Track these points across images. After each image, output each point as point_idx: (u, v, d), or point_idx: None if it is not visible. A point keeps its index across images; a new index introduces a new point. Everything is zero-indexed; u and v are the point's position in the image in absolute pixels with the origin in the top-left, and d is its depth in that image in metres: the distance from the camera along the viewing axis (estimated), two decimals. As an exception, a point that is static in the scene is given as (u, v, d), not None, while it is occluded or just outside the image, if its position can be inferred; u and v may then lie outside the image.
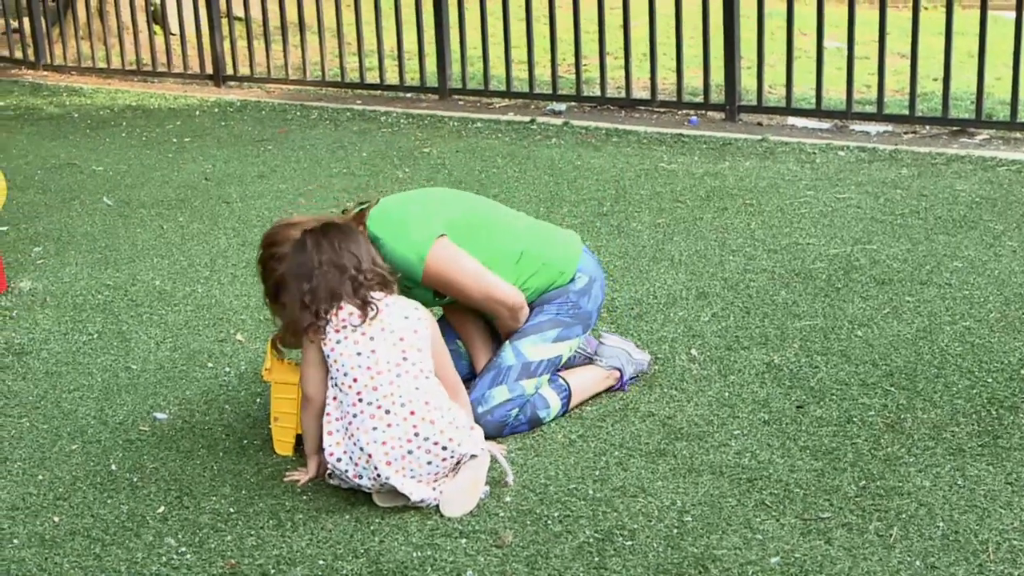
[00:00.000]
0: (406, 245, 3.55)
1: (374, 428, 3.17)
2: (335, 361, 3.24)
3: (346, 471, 3.21)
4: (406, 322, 3.31)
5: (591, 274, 3.85)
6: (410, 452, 3.17)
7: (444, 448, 3.19)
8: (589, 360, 3.89)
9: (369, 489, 3.21)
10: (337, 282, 3.29)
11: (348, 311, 3.27)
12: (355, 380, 3.21)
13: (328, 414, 3.27)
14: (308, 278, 3.30)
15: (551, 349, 3.72)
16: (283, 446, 3.56)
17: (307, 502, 3.27)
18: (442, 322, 3.82)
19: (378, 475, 3.15)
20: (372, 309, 3.27)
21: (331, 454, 3.23)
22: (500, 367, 3.66)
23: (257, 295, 4.97)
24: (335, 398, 3.28)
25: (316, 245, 3.34)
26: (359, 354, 3.23)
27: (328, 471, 3.29)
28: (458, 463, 3.22)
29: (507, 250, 3.71)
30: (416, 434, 3.17)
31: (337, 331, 3.26)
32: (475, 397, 3.60)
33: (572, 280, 3.81)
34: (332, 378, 3.27)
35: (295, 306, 3.32)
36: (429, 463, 3.19)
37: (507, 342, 3.72)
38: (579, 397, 3.77)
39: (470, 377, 3.76)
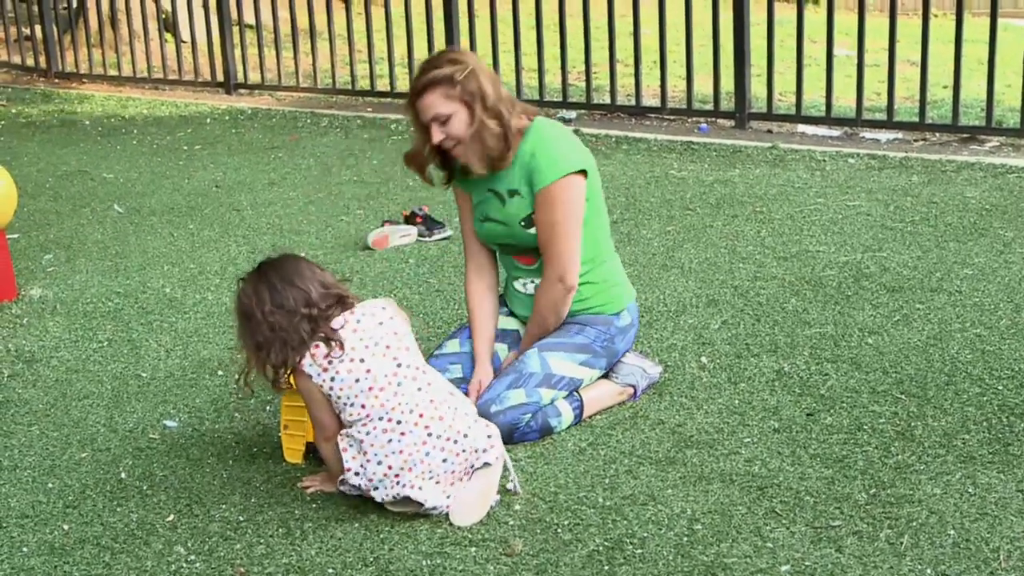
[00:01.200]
0: (558, 154, 3.66)
1: (388, 441, 3.16)
2: (337, 397, 3.19)
3: (359, 484, 3.21)
4: (383, 328, 3.23)
5: (634, 319, 3.91)
6: (427, 454, 3.17)
7: (456, 443, 3.20)
8: (605, 375, 3.88)
9: (381, 500, 3.20)
10: (290, 328, 3.16)
11: (323, 351, 3.18)
12: (363, 405, 3.18)
13: (341, 436, 3.25)
14: (255, 334, 3.20)
15: (575, 370, 3.73)
16: (293, 454, 3.56)
17: (317, 510, 3.27)
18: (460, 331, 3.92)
19: (397, 483, 3.15)
20: (336, 345, 3.17)
21: (348, 468, 3.22)
22: (522, 372, 3.66)
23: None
24: (345, 423, 3.25)
25: (254, 294, 3.21)
26: (357, 380, 3.17)
27: (341, 479, 3.28)
28: (472, 466, 3.22)
29: (598, 247, 3.79)
30: (429, 434, 3.18)
31: (325, 369, 3.17)
32: (491, 396, 3.60)
33: (618, 315, 3.83)
34: (337, 409, 3.23)
35: (259, 366, 3.25)
36: (444, 460, 3.19)
37: (535, 349, 3.72)
38: (591, 410, 3.77)
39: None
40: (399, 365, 3.22)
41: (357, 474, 3.20)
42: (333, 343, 3.17)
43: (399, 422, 3.17)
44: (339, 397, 3.19)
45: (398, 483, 3.15)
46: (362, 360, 3.18)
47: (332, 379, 3.17)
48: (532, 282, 3.84)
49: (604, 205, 3.85)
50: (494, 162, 3.67)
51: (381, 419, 3.17)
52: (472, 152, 3.65)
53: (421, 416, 3.19)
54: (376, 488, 3.19)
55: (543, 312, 3.77)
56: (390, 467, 3.15)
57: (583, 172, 3.69)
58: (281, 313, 3.17)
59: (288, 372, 3.23)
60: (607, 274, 3.83)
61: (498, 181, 3.74)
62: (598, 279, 3.81)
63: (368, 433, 3.17)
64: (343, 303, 3.25)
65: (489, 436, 3.27)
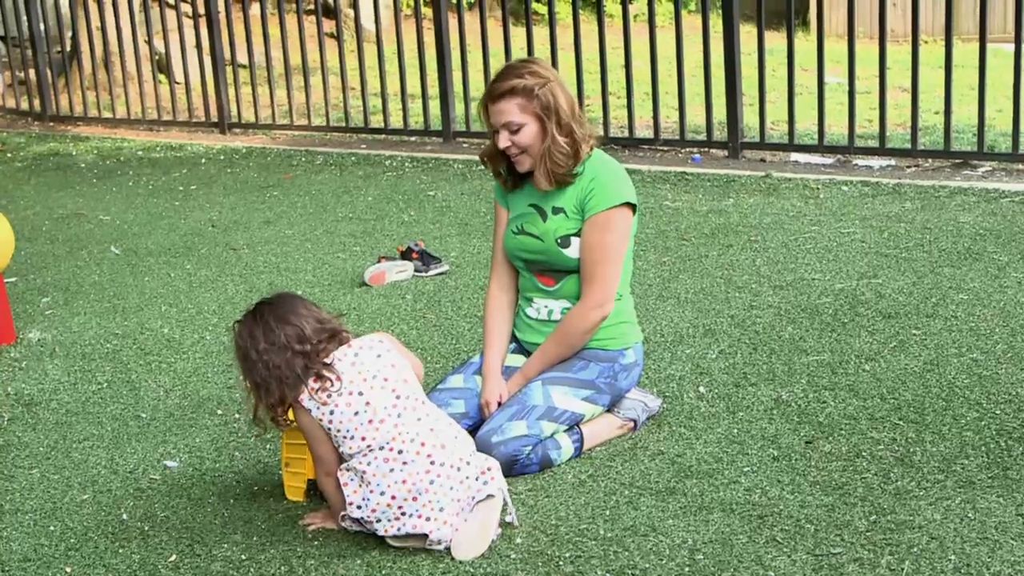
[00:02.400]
0: (620, 183, 3.76)
1: (391, 470, 3.17)
2: (337, 430, 3.21)
3: (362, 517, 3.21)
4: (381, 360, 3.26)
5: (638, 359, 3.94)
6: (431, 482, 3.17)
7: (459, 470, 3.22)
8: (607, 409, 3.89)
9: (383, 534, 3.21)
10: (284, 365, 3.19)
11: (319, 386, 3.20)
12: (363, 438, 3.19)
13: (341, 471, 3.25)
14: (252, 373, 3.23)
15: (577, 405, 3.75)
16: (294, 492, 3.57)
17: (318, 547, 3.27)
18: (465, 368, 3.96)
19: (401, 513, 3.16)
20: (330, 380, 3.19)
21: (350, 502, 3.22)
22: (524, 403, 3.67)
23: (265, 341, 4.99)
24: (344, 456, 3.26)
25: (249, 335, 3.24)
26: (356, 413, 3.19)
27: (342, 515, 3.28)
28: (473, 497, 3.22)
29: (621, 284, 3.82)
30: (432, 462, 3.18)
31: (324, 403, 3.18)
32: (492, 427, 3.61)
33: (623, 352, 3.86)
34: (336, 443, 3.24)
35: (260, 404, 3.27)
36: (451, 488, 3.19)
37: (538, 382, 3.73)
38: (591, 443, 3.78)
39: (476, 425, 3.76)
40: (398, 396, 3.23)
41: (359, 507, 3.21)
42: (329, 377, 3.18)
43: (400, 451, 3.18)
44: (339, 430, 3.20)
45: (402, 514, 3.16)
46: (360, 393, 3.19)
47: (331, 412, 3.18)
48: (546, 306, 3.86)
49: (632, 248, 3.91)
50: (561, 178, 3.74)
51: (382, 448, 3.18)
52: (540, 167, 3.73)
53: (423, 445, 3.20)
54: (378, 521, 3.19)
55: (572, 335, 3.79)
56: (393, 497, 3.16)
57: (634, 209, 3.77)
58: (275, 350, 3.19)
59: (286, 408, 3.25)
60: (619, 311, 3.85)
61: (543, 197, 3.81)
62: (617, 316, 3.83)
63: (369, 464, 3.18)
64: (338, 338, 3.27)
65: (489, 468, 3.28)
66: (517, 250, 3.88)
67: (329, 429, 3.21)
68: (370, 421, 3.19)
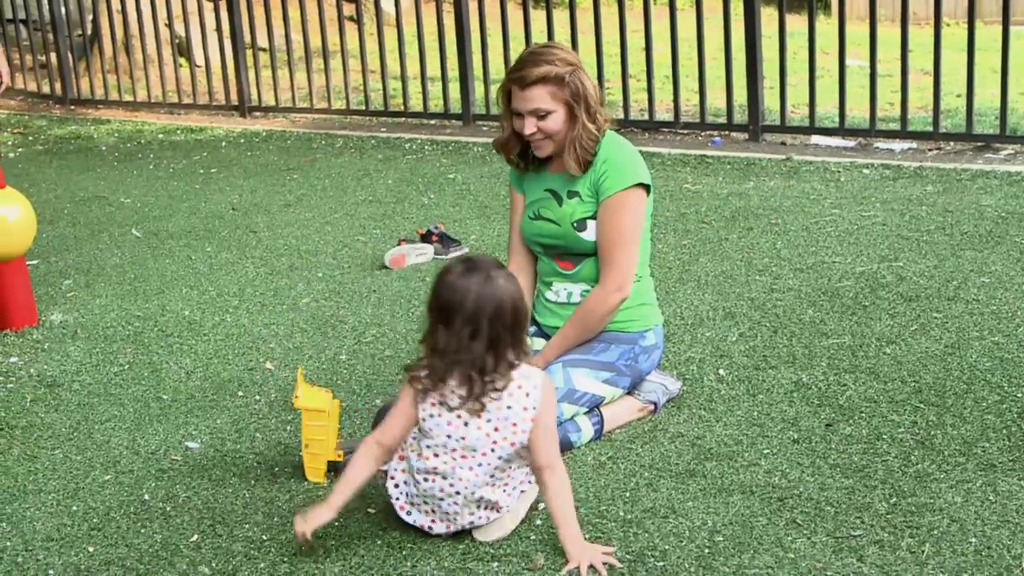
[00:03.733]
0: (632, 164, 3.75)
1: (441, 500, 3.11)
2: (421, 430, 3.08)
3: (395, 497, 3.18)
4: (510, 412, 3.03)
5: (659, 341, 3.93)
6: (471, 513, 3.14)
7: (497, 511, 3.16)
8: (628, 392, 3.89)
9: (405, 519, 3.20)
10: (480, 349, 2.97)
11: (451, 387, 3.02)
12: (435, 455, 3.06)
13: (397, 459, 3.17)
14: (459, 323, 2.98)
15: (598, 388, 3.75)
16: (314, 472, 3.58)
17: (339, 528, 3.28)
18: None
19: (431, 523, 3.15)
20: (482, 406, 3.00)
21: (392, 476, 3.18)
22: None
23: (284, 323, 5.00)
24: (409, 453, 3.14)
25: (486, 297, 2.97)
26: (449, 436, 3.04)
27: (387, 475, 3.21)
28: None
29: (639, 265, 3.82)
30: (479, 506, 3.13)
31: (433, 404, 3.03)
32: None
33: (643, 335, 3.85)
34: (413, 436, 3.13)
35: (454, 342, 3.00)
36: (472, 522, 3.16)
37: (559, 364, 3.73)
38: (611, 426, 3.79)
39: None
40: (492, 450, 3.05)
41: (397, 487, 3.17)
42: (484, 402, 3.00)
43: (458, 492, 3.07)
44: (421, 430, 3.08)
45: (431, 523, 3.16)
46: (465, 424, 3.04)
47: (430, 416, 3.04)
48: (565, 289, 3.86)
49: (650, 228, 3.90)
50: (588, 163, 3.74)
51: (443, 479, 3.07)
52: (570, 152, 3.72)
53: (480, 499, 3.10)
54: (409, 513, 3.17)
55: (591, 318, 3.78)
56: (432, 510, 3.13)
57: (647, 188, 3.76)
58: (482, 336, 2.97)
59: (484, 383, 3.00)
60: (639, 293, 3.85)
61: (559, 181, 3.81)
62: (636, 298, 3.83)
63: (424, 481, 3.10)
64: (509, 362, 3.03)
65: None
66: (535, 235, 3.88)
67: (420, 422, 3.08)
68: (453, 450, 3.05)
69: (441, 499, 3.10)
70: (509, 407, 3.04)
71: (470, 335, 2.97)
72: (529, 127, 3.70)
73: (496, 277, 3.00)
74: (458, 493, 3.09)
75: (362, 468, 3.14)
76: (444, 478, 3.08)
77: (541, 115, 3.68)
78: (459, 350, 2.98)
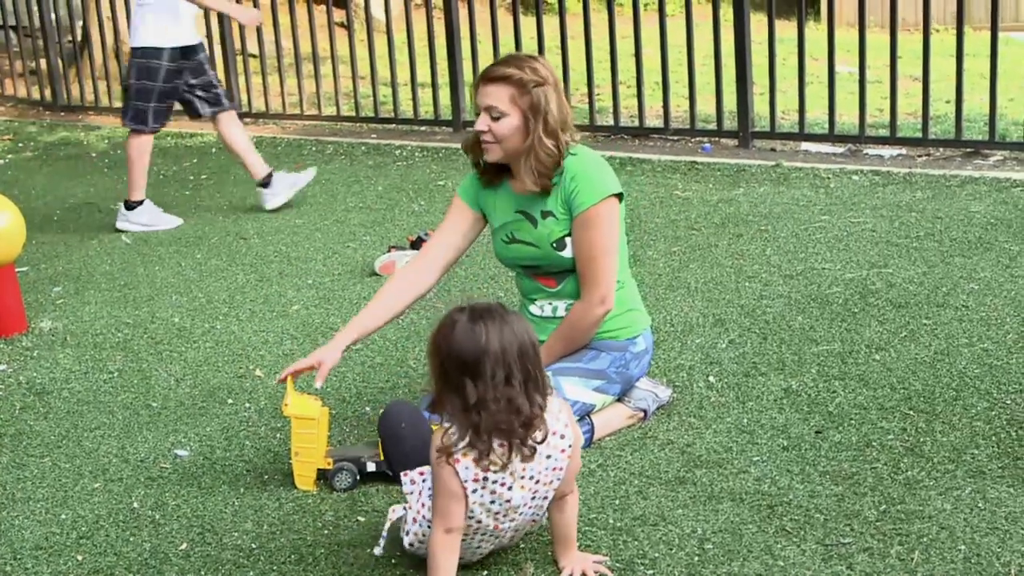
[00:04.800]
0: (600, 177, 3.71)
1: (478, 549, 3.02)
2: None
3: (408, 532, 3.04)
4: (549, 461, 2.89)
5: (648, 345, 3.93)
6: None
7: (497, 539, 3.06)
8: (618, 398, 3.89)
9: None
10: (507, 410, 2.77)
11: (493, 458, 2.81)
12: (479, 522, 2.90)
13: (422, 513, 2.99)
14: (477, 388, 2.76)
15: (588, 396, 3.75)
16: (304, 480, 3.57)
17: (328, 536, 3.28)
18: None
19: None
20: (521, 454, 2.81)
21: (410, 545, 3.04)
22: None
23: (274, 330, 5.00)
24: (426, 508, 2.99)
25: (508, 349, 2.77)
26: (492, 503, 2.87)
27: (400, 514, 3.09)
28: None
29: (619, 272, 3.80)
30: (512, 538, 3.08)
31: (476, 480, 2.82)
32: None
33: (633, 341, 3.85)
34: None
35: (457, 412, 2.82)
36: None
37: (548, 372, 3.72)
38: (601, 433, 3.78)
39: None
40: (534, 498, 2.93)
41: (414, 482, 3.05)
42: (511, 462, 2.82)
43: (498, 539, 3.00)
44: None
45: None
46: (509, 488, 2.86)
47: (474, 491, 2.84)
48: (550, 304, 3.86)
49: (625, 233, 3.89)
50: (544, 180, 3.70)
51: (485, 534, 2.96)
52: (525, 167, 3.69)
53: (516, 530, 3.03)
54: (412, 546, 3.04)
55: (577, 333, 3.77)
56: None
57: (619, 197, 3.74)
58: (516, 388, 2.78)
59: (486, 450, 2.80)
60: (624, 300, 3.84)
61: (529, 203, 3.78)
62: (616, 304, 3.82)
63: (464, 537, 2.93)
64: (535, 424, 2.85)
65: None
66: (513, 259, 3.86)
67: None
68: (496, 513, 2.89)
69: (478, 548, 3.02)
70: (548, 456, 2.89)
71: (505, 379, 2.75)
72: (481, 124, 3.66)
73: (507, 318, 2.80)
74: (498, 539, 3.02)
75: (453, 562, 2.87)
76: (484, 535, 2.96)
77: (495, 116, 3.64)
78: (498, 397, 2.75)
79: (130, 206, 6.97)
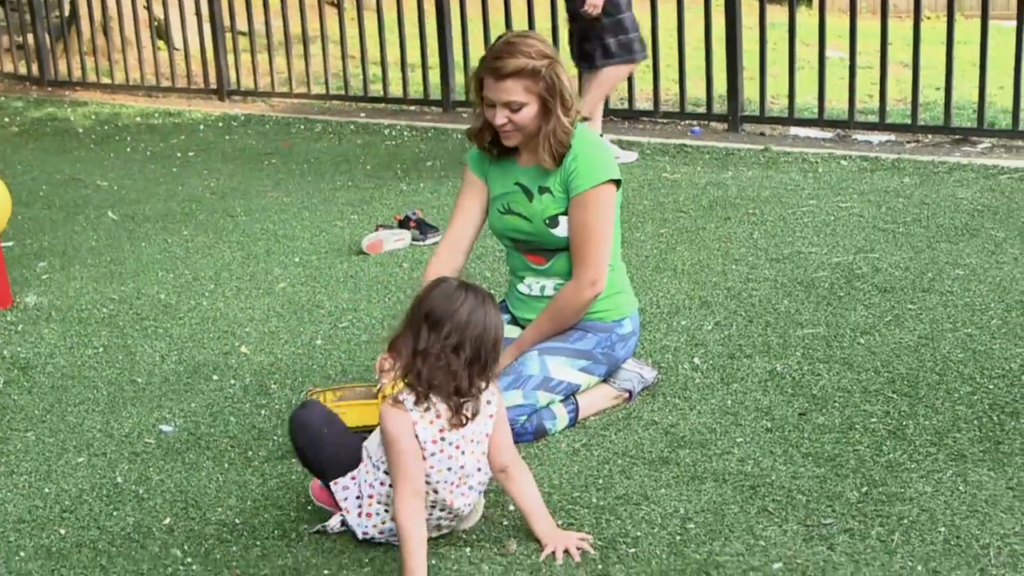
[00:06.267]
0: (601, 160, 3.72)
1: (437, 526, 3.08)
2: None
3: (348, 522, 3.11)
4: (486, 422, 3.04)
5: (635, 328, 3.93)
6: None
7: (455, 519, 3.12)
8: (603, 379, 3.90)
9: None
10: (462, 365, 2.93)
11: (436, 411, 2.95)
12: (435, 492, 2.98)
13: (375, 499, 3.06)
14: (430, 341, 2.93)
15: (574, 376, 3.75)
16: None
17: (312, 512, 3.28)
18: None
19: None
20: (464, 417, 2.96)
21: (365, 534, 3.09)
22: (521, 373, 3.68)
23: (260, 308, 5.00)
24: (384, 485, 3.04)
25: (463, 308, 2.94)
26: (449, 469, 2.98)
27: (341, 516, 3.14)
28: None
29: (613, 253, 3.81)
30: (439, 525, 3.10)
31: (434, 442, 2.93)
32: None
33: (620, 323, 3.85)
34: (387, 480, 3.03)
35: (406, 368, 2.98)
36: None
37: (535, 351, 3.73)
38: (585, 413, 3.79)
39: None
40: (479, 469, 3.05)
41: (347, 488, 3.11)
42: (466, 414, 2.96)
43: (456, 517, 3.08)
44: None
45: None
46: (463, 452, 2.99)
47: (432, 455, 2.94)
48: (538, 283, 3.86)
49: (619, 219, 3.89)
50: (562, 157, 3.71)
51: (438, 510, 3.03)
52: (544, 148, 3.68)
53: (446, 505, 3.06)
54: (366, 534, 3.09)
55: (565, 313, 3.77)
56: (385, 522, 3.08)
57: (617, 184, 3.74)
58: (470, 342, 2.92)
59: (426, 399, 2.95)
60: (613, 282, 3.84)
61: (530, 176, 3.78)
62: (609, 288, 3.82)
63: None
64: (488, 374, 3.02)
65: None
66: (505, 230, 3.86)
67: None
68: (451, 483, 2.99)
69: (437, 525, 3.07)
70: (490, 416, 3.04)
71: (454, 347, 2.91)
72: (500, 118, 3.66)
73: (489, 305, 2.97)
74: (456, 518, 3.08)
75: (423, 530, 2.93)
76: (439, 510, 3.03)
77: (514, 108, 3.64)
78: (441, 356, 2.91)
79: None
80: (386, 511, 3.03)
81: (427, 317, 2.94)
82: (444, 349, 2.92)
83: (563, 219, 3.73)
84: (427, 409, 2.93)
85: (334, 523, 3.14)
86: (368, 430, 3.50)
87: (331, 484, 3.13)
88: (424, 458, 2.94)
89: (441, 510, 3.03)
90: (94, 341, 4.71)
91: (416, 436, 2.92)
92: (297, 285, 5.30)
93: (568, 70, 3.75)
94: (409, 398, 2.94)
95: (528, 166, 3.78)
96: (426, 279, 3.67)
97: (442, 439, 2.95)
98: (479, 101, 3.73)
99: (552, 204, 3.73)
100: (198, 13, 10.64)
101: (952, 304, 4.57)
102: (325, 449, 3.16)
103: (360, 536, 3.09)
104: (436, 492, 2.99)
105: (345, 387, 3.71)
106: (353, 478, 3.11)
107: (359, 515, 3.08)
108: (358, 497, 3.09)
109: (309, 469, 3.24)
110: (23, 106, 10.89)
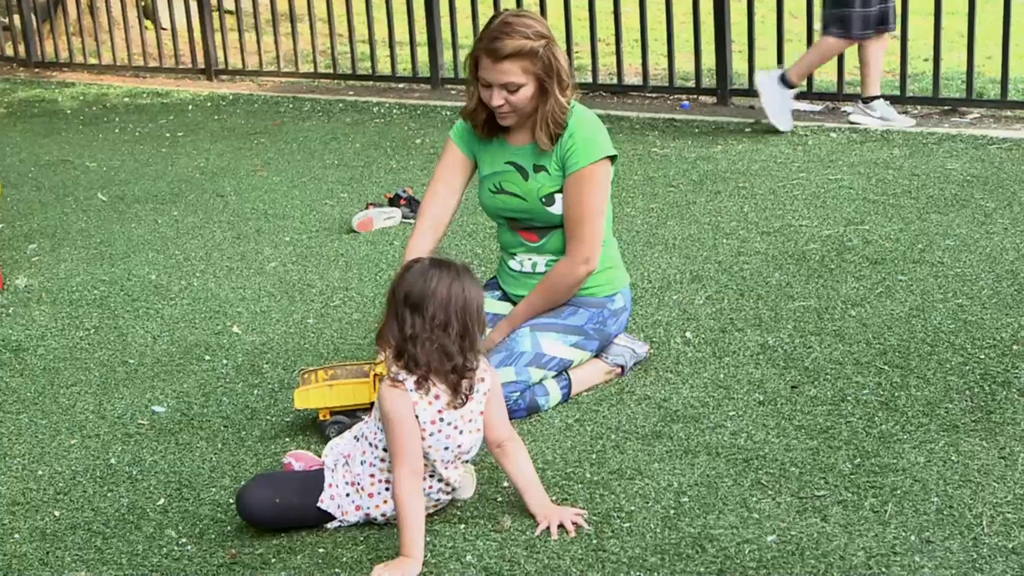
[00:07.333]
0: (597, 138, 3.71)
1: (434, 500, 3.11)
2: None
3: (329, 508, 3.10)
4: (480, 400, 3.06)
5: (627, 303, 3.94)
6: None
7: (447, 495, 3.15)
8: (596, 354, 3.90)
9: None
10: (453, 342, 2.95)
11: (435, 392, 2.98)
12: (432, 469, 3.02)
13: (377, 478, 3.06)
14: (417, 324, 2.94)
15: (565, 351, 3.75)
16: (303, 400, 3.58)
17: (306, 491, 3.28)
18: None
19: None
20: (463, 396, 3.00)
21: (367, 515, 3.10)
22: (513, 350, 3.68)
23: (252, 287, 4.99)
24: (384, 463, 3.04)
25: (444, 287, 2.95)
26: (447, 448, 3.01)
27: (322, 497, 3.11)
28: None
29: (605, 228, 3.80)
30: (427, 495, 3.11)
31: (433, 422, 2.96)
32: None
33: (612, 298, 3.85)
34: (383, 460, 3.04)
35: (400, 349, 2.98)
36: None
37: (527, 328, 3.74)
38: (578, 388, 3.80)
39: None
40: (473, 446, 3.07)
41: (333, 498, 3.08)
42: (464, 392, 2.99)
43: (454, 490, 3.11)
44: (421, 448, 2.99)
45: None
46: (460, 432, 3.02)
47: (431, 435, 2.97)
48: (530, 259, 3.86)
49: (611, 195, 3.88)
50: (558, 137, 3.70)
51: (441, 480, 3.07)
52: (541, 128, 3.68)
53: (443, 478, 3.08)
54: (340, 508, 3.09)
55: (558, 289, 3.78)
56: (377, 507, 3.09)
57: (612, 160, 3.74)
58: (456, 321, 2.94)
59: (426, 378, 2.96)
60: (605, 258, 3.83)
61: (522, 155, 3.77)
62: (602, 263, 3.82)
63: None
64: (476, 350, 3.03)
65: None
66: (498, 210, 3.85)
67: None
68: (445, 461, 3.02)
69: (437, 500, 3.10)
70: (485, 394, 3.08)
71: (442, 325, 2.93)
72: (497, 99, 3.64)
73: (464, 276, 2.98)
74: (454, 490, 3.12)
75: (420, 506, 2.95)
76: (440, 480, 3.06)
77: (512, 89, 3.63)
78: (432, 336, 2.92)
79: (866, 100, 7.13)
80: (386, 489, 3.03)
81: (407, 301, 2.95)
82: (433, 329, 2.93)
83: (559, 196, 3.73)
84: (427, 391, 2.94)
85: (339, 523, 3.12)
86: (360, 409, 3.52)
87: (319, 506, 3.07)
88: (423, 439, 2.95)
89: (439, 481, 3.05)
90: (85, 323, 4.70)
91: (416, 417, 2.94)
92: (288, 264, 5.30)
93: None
94: (409, 379, 2.94)
95: (521, 145, 3.77)
96: (408, 255, 3.69)
97: (441, 419, 2.97)
98: (474, 81, 3.71)
99: (548, 182, 3.73)
100: (185, -8, 10.59)
101: (943, 275, 4.58)
102: (288, 513, 3.07)
103: (362, 520, 3.09)
104: (433, 469, 3.02)
105: (337, 366, 3.71)
106: (331, 485, 3.08)
107: (356, 509, 3.07)
108: (347, 495, 3.06)
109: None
110: (10, 87, 10.84)
